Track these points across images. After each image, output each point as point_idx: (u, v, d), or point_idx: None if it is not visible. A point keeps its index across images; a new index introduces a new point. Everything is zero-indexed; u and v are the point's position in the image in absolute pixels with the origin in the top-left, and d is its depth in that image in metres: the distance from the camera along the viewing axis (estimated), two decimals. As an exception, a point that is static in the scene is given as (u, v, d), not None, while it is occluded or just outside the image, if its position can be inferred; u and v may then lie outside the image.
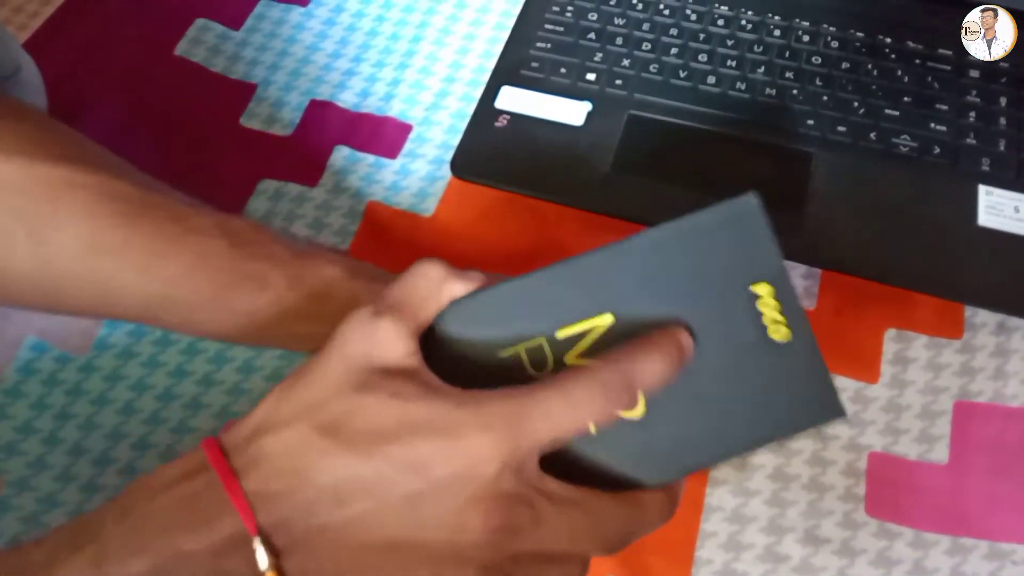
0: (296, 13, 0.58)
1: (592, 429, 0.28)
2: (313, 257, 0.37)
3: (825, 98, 0.51)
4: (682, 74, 0.53)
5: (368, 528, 0.27)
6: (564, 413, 0.27)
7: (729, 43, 0.54)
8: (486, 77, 0.54)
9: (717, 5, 0.55)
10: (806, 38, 0.54)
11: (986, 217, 0.47)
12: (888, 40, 0.54)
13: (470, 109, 0.52)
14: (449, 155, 0.51)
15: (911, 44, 0.53)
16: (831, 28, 0.54)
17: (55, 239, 0.35)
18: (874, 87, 0.52)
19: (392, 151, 0.53)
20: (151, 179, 0.38)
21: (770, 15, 0.55)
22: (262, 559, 0.26)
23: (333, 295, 0.37)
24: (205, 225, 0.36)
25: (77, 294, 0.36)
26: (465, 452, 0.26)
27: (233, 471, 0.27)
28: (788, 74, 0.52)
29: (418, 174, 0.52)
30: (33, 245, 0.35)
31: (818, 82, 0.52)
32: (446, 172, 0.51)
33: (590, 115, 0.51)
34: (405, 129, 0.53)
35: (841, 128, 0.50)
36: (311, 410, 0.27)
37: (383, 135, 0.53)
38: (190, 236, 0.36)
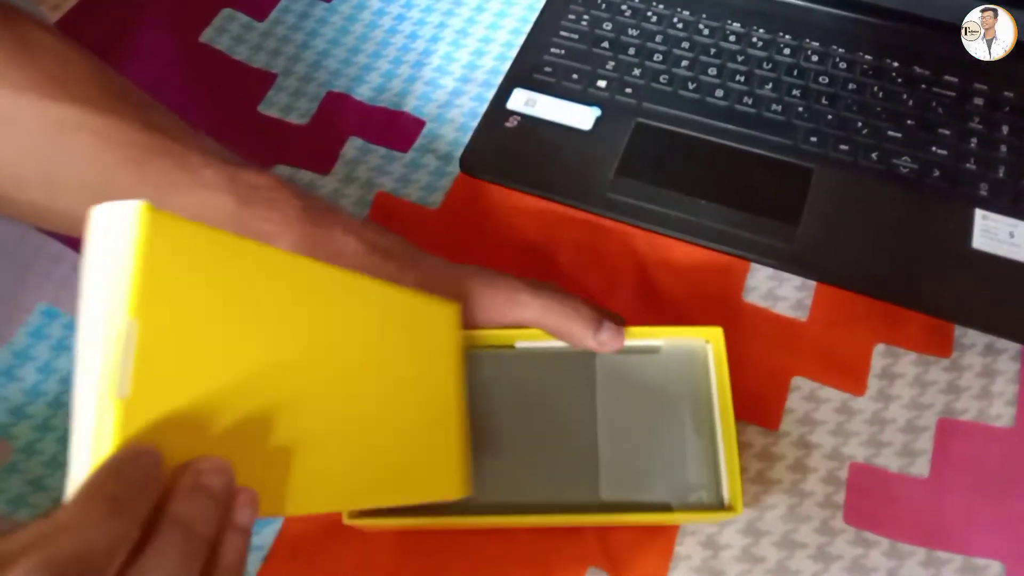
0: (320, 8, 0.60)
1: None
2: (329, 225, 0.37)
3: (830, 116, 0.52)
4: (691, 86, 0.54)
5: None
6: None
7: (739, 59, 0.55)
8: (499, 80, 0.55)
9: (730, 22, 0.57)
10: (815, 58, 0.55)
11: (981, 240, 0.48)
12: (895, 64, 0.55)
13: (482, 109, 0.54)
14: (459, 152, 0.52)
15: (918, 69, 0.54)
16: (840, 49, 0.55)
17: (64, 182, 0.35)
18: (878, 109, 0.53)
19: (404, 145, 0.54)
20: (173, 121, 0.37)
21: (781, 34, 0.56)
22: None
23: (344, 265, 0.38)
24: (215, 179, 0.36)
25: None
26: None
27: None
28: (795, 91, 0.53)
29: (427, 168, 0.53)
30: (47, 188, 0.35)
31: (824, 101, 0.53)
32: (455, 168, 0.53)
33: (598, 120, 0.53)
34: (418, 124, 0.55)
35: (843, 146, 0.51)
36: None
37: (396, 129, 0.55)
38: (196, 190, 0.35)
